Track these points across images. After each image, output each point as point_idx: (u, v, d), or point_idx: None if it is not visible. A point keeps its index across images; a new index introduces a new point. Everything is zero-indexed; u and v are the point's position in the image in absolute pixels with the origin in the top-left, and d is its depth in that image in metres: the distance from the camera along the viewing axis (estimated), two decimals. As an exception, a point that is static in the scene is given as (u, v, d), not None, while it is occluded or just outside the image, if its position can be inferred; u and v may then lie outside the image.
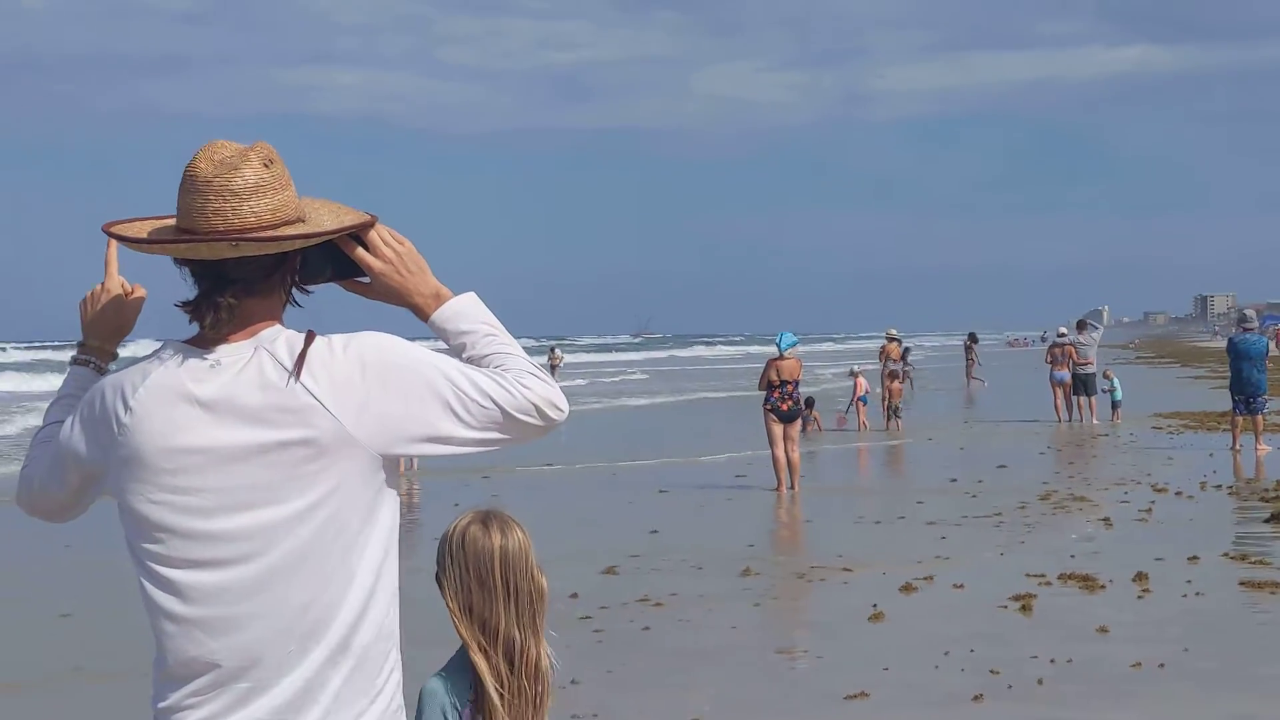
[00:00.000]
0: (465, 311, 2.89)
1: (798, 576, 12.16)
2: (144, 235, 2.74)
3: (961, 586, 11.26)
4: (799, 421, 18.87)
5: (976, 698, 7.93)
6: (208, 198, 2.66)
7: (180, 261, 2.75)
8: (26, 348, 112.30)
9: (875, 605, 10.45)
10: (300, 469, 2.64)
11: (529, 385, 2.77)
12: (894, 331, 32.42)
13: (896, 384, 29.88)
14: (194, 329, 2.75)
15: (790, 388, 18.60)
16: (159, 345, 2.77)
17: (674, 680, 8.61)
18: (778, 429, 18.42)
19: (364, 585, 2.68)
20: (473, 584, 3.54)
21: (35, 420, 32.27)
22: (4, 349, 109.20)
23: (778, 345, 18.86)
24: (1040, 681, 8.24)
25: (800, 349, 19.89)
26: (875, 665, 8.73)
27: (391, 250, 2.84)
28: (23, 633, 10.63)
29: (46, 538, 13.76)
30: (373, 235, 2.82)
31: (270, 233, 2.67)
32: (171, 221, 2.76)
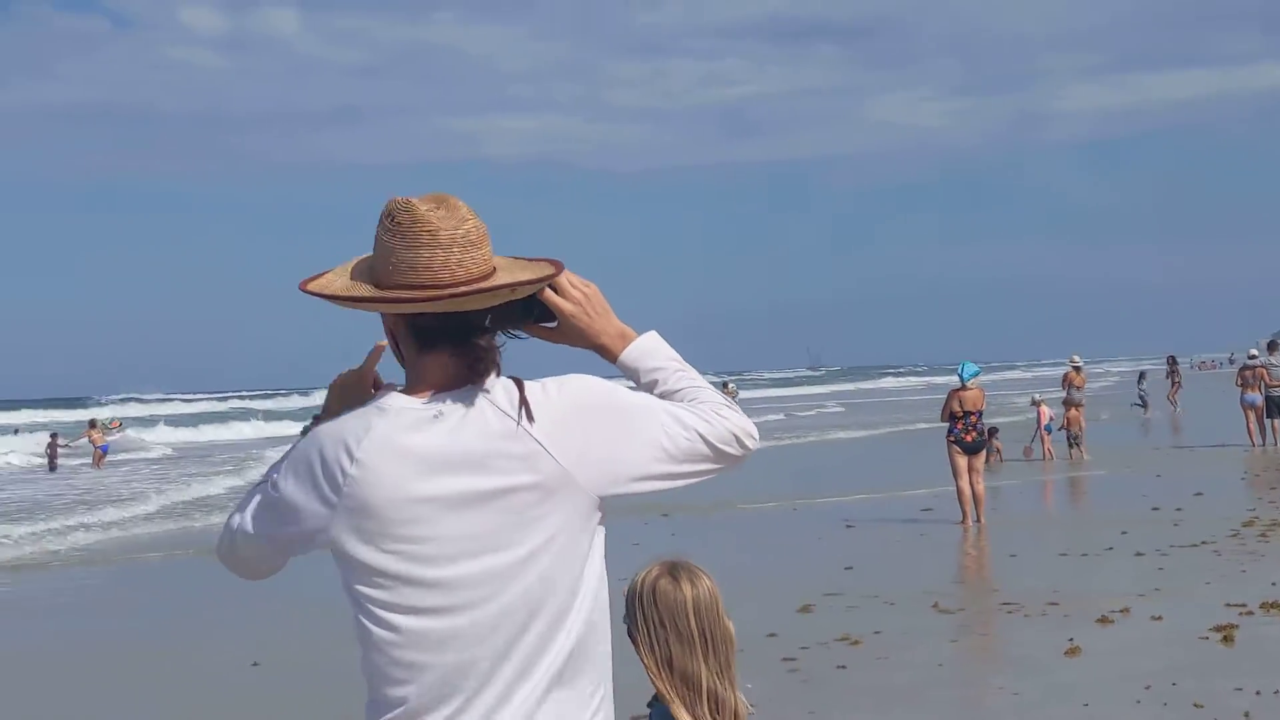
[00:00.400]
0: (652, 349, 2.94)
1: (989, 611, 12.11)
2: (358, 290, 2.73)
3: (1159, 618, 11.11)
4: (983, 453, 18.75)
5: None
6: (451, 251, 2.67)
7: (397, 315, 2.75)
8: (219, 398, 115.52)
9: (1071, 639, 10.38)
10: (526, 514, 2.67)
11: (725, 416, 2.84)
12: (1078, 359, 31.99)
13: (1074, 412, 29.43)
14: (403, 378, 2.79)
15: (974, 418, 18.48)
16: (378, 397, 2.76)
17: (870, 718, 8.65)
18: (962, 461, 18.31)
19: (582, 622, 2.72)
20: (670, 638, 3.53)
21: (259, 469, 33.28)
22: (193, 399, 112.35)
23: (960, 375, 18.74)
24: (1246, 715, 8.13)
25: (982, 378, 19.70)
26: (1075, 701, 8.68)
27: (579, 293, 2.88)
28: (215, 681, 10.98)
29: (237, 586, 14.18)
30: (560, 279, 2.85)
31: (495, 281, 2.71)
32: (352, 267, 2.79)
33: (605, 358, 2.94)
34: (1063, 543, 16.05)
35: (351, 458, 2.66)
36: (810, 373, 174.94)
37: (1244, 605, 11.33)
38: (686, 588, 3.57)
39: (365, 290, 2.72)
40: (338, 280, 2.77)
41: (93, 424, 45.41)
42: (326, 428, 2.75)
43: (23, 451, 48.17)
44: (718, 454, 2.83)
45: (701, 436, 2.81)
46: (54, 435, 44.51)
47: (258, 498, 2.84)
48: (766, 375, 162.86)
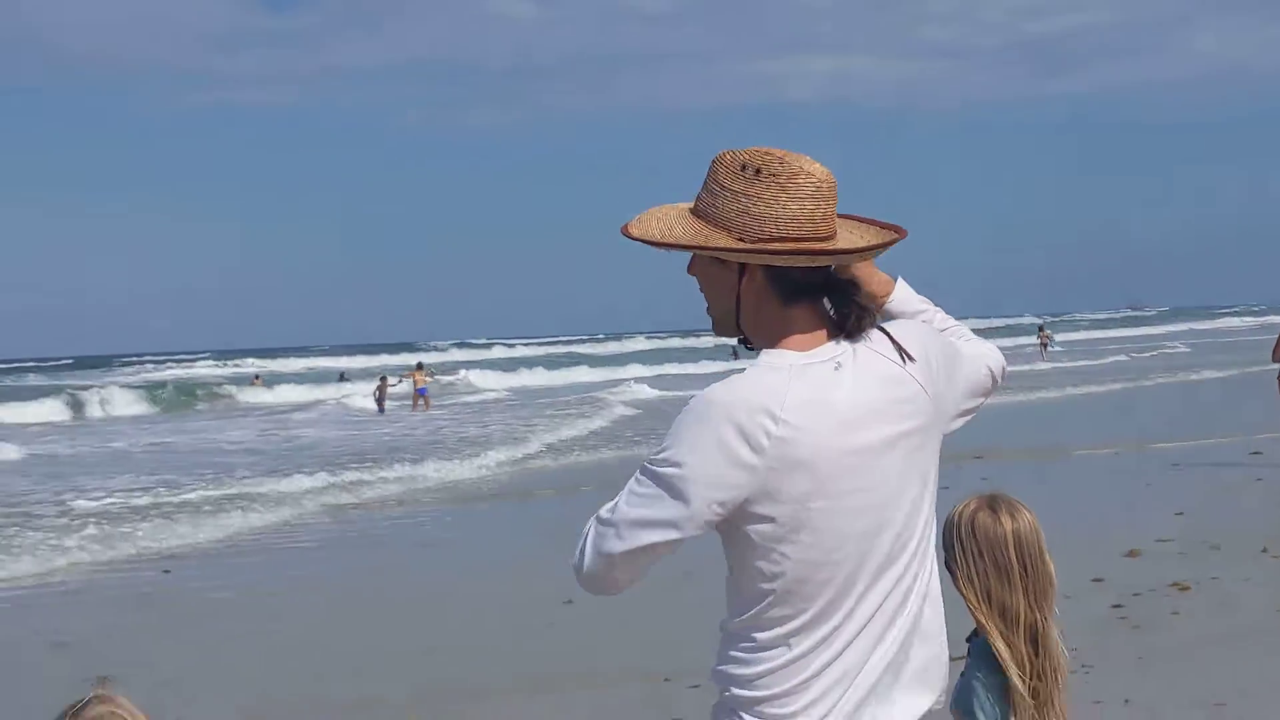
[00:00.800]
0: (911, 293, 3.11)
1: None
2: (718, 241, 2.72)
3: None
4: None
5: None
6: (829, 202, 2.74)
7: (757, 270, 2.75)
8: (541, 343, 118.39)
9: None
10: (915, 456, 2.78)
11: (992, 348, 3.08)
12: None
13: None
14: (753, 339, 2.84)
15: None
16: (754, 362, 2.75)
17: (1200, 666, 8.47)
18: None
19: (932, 558, 2.89)
20: (989, 570, 3.48)
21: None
22: (518, 344, 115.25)
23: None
24: None
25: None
26: None
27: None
28: (532, 616, 11.36)
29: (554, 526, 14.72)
30: None
31: (864, 237, 2.81)
32: (677, 211, 2.81)
33: (873, 301, 2.99)
34: None
35: (775, 419, 2.62)
36: (1132, 313, 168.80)
37: None
38: (1006, 521, 3.52)
39: (726, 241, 2.72)
40: (678, 228, 2.76)
41: (419, 366, 46.98)
42: (724, 396, 2.67)
43: (358, 396, 50.19)
44: (994, 385, 3.03)
45: (990, 370, 3.01)
46: (383, 378, 46.09)
47: (638, 489, 2.72)
48: (1084, 317, 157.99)
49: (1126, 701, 7.71)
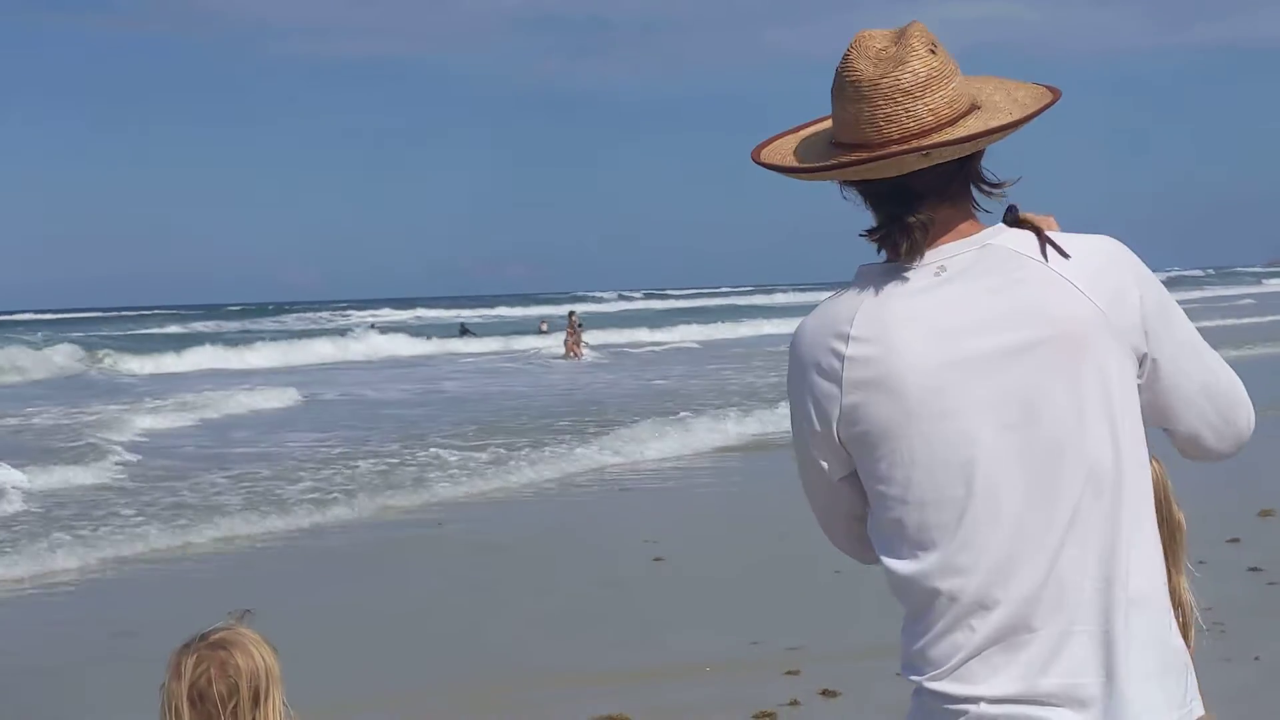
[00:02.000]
0: None
1: None
2: (794, 161, 2.47)
3: None
4: None
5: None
6: (876, 104, 2.36)
7: (845, 182, 2.46)
8: (701, 294, 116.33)
9: None
10: (1065, 370, 2.38)
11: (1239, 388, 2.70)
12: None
13: None
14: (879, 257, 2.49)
15: None
16: (852, 279, 2.49)
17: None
18: None
19: None
20: None
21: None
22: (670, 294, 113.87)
23: None
24: None
25: None
26: None
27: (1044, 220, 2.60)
28: (621, 571, 11.57)
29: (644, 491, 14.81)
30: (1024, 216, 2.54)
31: (959, 131, 2.37)
32: (818, 130, 2.51)
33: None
34: None
35: (845, 338, 2.40)
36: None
37: None
38: None
39: (790, 157, 2.50)
40: (789, 143, 2.54)
41: (571, 315, 47.20)
42: (802, 327, 2.51)
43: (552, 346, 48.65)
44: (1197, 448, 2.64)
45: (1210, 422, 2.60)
46: (574, 320, 45.66)
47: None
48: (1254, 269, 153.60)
49: (1256, 658, 7.74)
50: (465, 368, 41.33)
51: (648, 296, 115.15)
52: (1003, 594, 2.34)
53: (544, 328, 60.55)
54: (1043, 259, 2.37)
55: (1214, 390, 2.52)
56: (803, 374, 2.48)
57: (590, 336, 48.00)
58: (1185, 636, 3.35)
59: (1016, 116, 2.41)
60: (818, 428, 2.47)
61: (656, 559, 11.44)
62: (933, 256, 2.42)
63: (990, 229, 2.45)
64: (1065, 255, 2.37)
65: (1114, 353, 2.37)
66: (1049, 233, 2.42)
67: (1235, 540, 10.81)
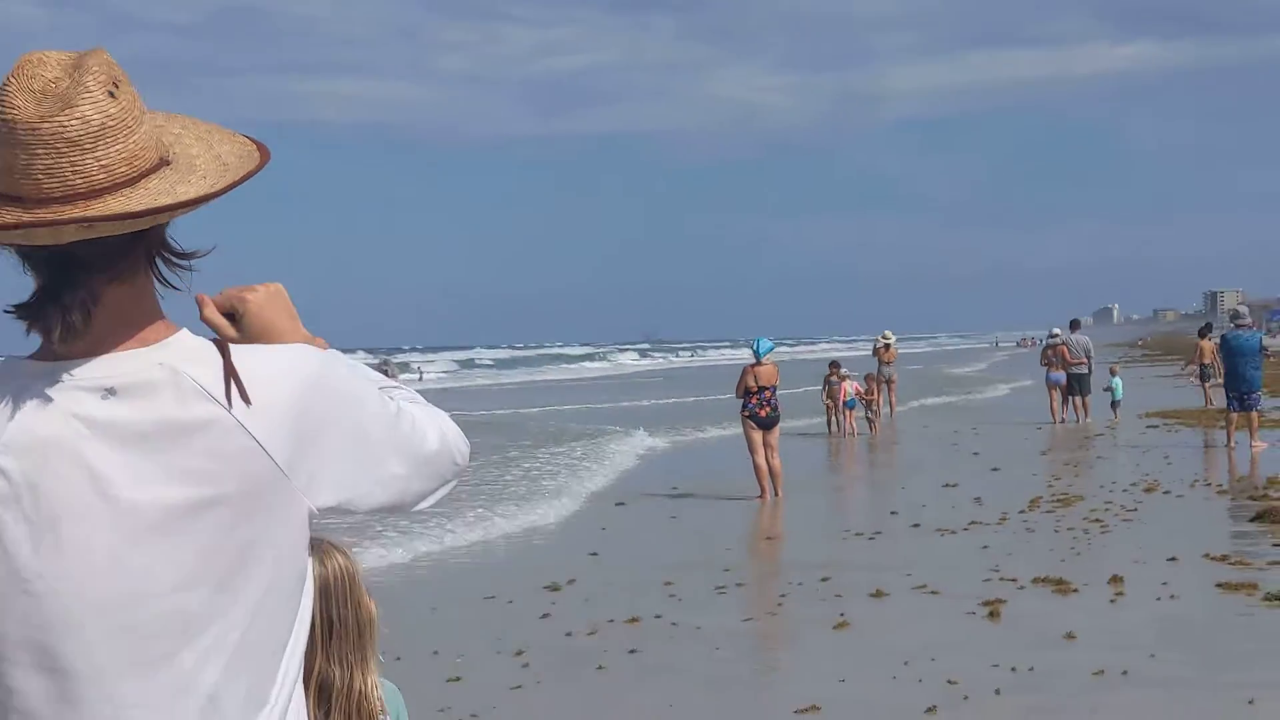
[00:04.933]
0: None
1: (773, 582, 12.06)
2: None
3: (937, 592, 11.02)
4: (777, 427, 18.49)
5: (930, 710, 7.70)
6: (35, 152, 1.86)
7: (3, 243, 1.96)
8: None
9: (842, 614, 10.22)
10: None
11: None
12: (889, 335, 32.23)
13: (874, 385, 29.74)
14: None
15: (768, 394, 18.30)
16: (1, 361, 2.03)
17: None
18: (757, 436, 18.11)
19: None
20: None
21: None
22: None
23: (754, 351, 18.54)
24: (998, 691, 8.00)
25: (781, 353, 19.53)
26: (831, 678, 8.49)
27: (263, 292, 2.17)
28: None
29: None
30: (227, 294, 2.16)
31: (136, 199, 1.90)
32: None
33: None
34: (846, 517, 16.09)
35: None
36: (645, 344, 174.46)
37: (1016, 580, 11.29)
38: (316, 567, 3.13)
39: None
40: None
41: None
42: None
43: None
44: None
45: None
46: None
47: None
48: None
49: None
50: None
51: None
52: None
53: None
54: (224, 400, 1.94)
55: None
56: None
57: None
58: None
59: (215, 186, 1.96)
60: None
61: None
62: (100, 370, 1.94)
63: (174, 336, 2.00)
64: (246, 400, 1.94)
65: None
66: (235, 353, 1.98)
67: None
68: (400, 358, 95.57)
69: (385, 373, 2.59)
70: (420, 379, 69.03)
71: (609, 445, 26.40)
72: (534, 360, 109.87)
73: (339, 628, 3.19)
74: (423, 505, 2.26)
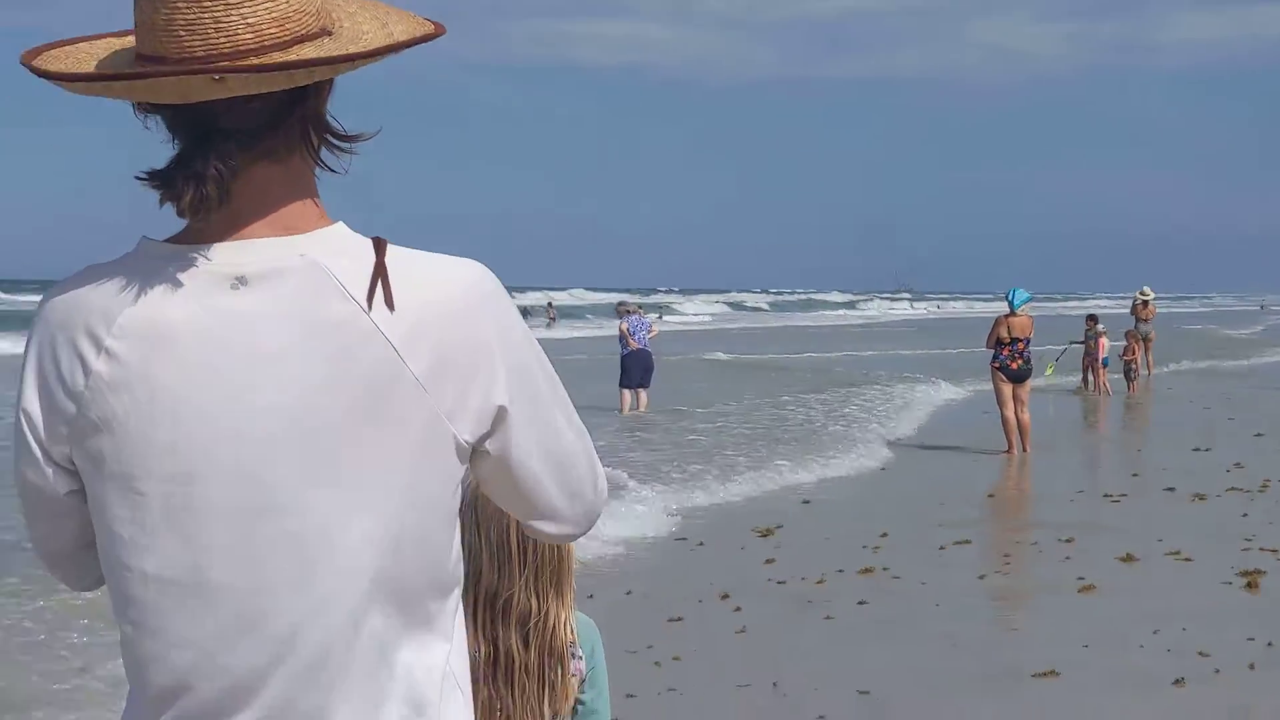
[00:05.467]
0: None
1: (1012, 540, 11.67)
2: (87, 68, 1.75)
3: (1190, 559, 10.43)
4: (1028, 381, 17.87)
5: (1177, 682, 7.22)
6: (176, 5, 1.68)
7: (142, 108, 1.76)
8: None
9: (1083, 578, 9.73)
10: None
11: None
12: (1148, 291, 30.91)
13: (1135, 344, 28.43)
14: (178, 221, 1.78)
15: (1021, 345, 17.71)
16: (134, 248, 1.81)
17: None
18: (1007, 389, 17.56)
19: None
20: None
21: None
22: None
23: (1009, 301, 17.95)
24: (1252, 666, 7.49)
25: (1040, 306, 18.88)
26: (1074, 643, 8.05)
27: None
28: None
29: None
30: None
31: (276, 56, 1.70)
32: (130, 42, 1.79)
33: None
34: (1096, 479, 15.42)
35: (99, 348, 1.75)
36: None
37: (1277, 551, 10.62)
38: None
39: (86, 64, 1.77)
40: (95, 49, 1.81)
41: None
42: (51, 305, 1.81)
43: None
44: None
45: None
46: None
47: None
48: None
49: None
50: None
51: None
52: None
53: None
54: (365, 302, 1.72)
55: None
56: (41, 376, 1.79)
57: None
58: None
59: (369, 45, 1.74)
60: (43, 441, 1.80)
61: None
62: (235, 255, 1.74)
63: (328, 228, 1.79)
64: (390, 305, 1.72)
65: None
66: (392, 254, 1.76)
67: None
68: (655, 298, 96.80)
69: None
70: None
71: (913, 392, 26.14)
72: (798, 305, 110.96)
73: (534, 559, 3.07)
74: (544, 532, 1.95)
